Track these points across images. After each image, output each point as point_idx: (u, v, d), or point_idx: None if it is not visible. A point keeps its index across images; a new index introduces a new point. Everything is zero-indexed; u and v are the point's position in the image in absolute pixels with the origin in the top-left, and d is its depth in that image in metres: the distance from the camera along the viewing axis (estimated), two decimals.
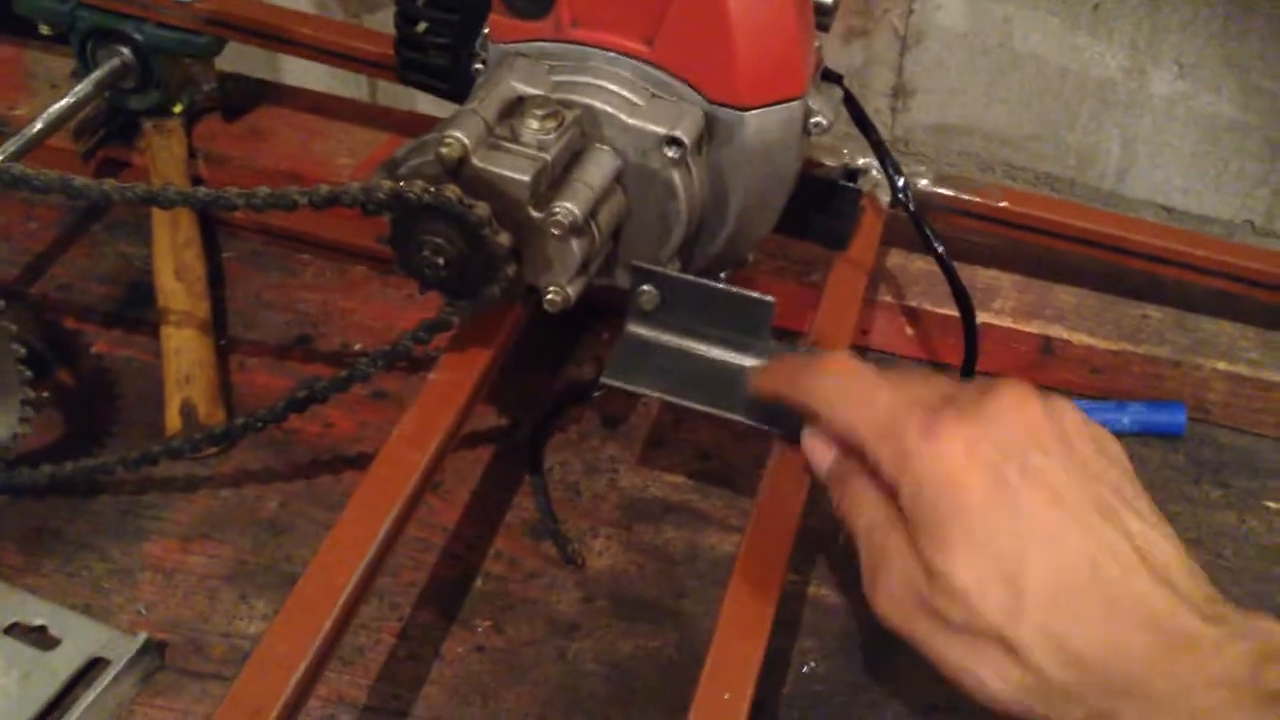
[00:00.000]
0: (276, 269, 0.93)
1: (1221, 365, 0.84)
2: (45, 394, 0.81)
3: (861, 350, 0.90)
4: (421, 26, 0.70)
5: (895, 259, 0.91)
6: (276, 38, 0.86)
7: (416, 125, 0.96)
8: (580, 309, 0.71)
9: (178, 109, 0.92)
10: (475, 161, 0.59)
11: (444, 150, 0.58)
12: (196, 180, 0.92)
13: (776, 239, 0.84)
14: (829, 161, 0.83)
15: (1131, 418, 0.85)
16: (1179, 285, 0.87)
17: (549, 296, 0.62)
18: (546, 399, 0.85)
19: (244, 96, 0.98)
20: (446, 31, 0.69)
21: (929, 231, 0.74)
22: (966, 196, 0.84)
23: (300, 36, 0.86)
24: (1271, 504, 0.82)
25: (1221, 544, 0.80)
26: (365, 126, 0.98)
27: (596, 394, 0.85)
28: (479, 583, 0.76)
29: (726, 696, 0.55)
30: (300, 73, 1.17)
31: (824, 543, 0.79)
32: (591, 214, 0.61)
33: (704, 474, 0.82)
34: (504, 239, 0.60)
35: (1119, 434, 0.86)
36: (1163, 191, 1.16)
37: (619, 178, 0.63)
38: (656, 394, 0.67)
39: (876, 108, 1.22)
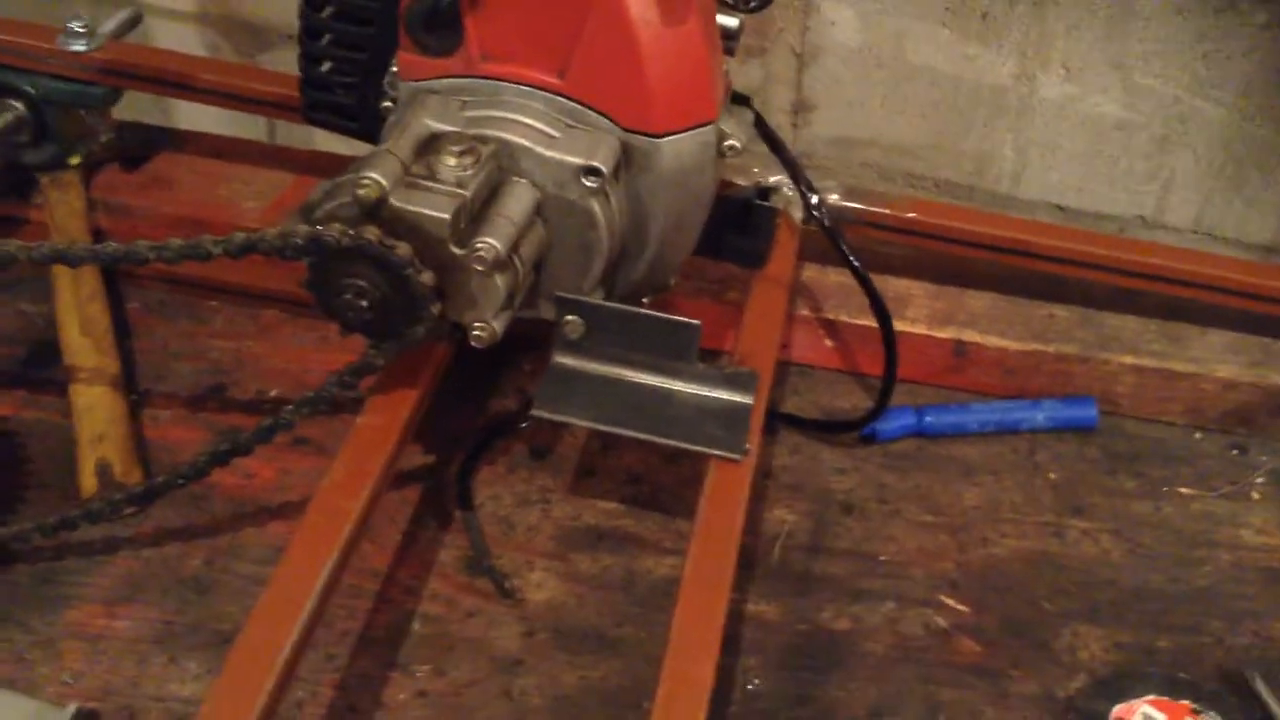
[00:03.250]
0: (185, 317, 0.91)
1: (1128, 359, 0.87)
2: None
3: (783, 364, 0.92)
4: (327, 66, 0.69)
5: (811, 273, 0.92)
6: (175, 85, 0.84)
7: (320, 164, 0.95)
8: (502, 342, 0.70)
9: (75, 161, 0.89)
10: (394, 201, 0.58)
11: (361, 192, 0.57)
12: (97, 233, 0.89)
13: (693, 260, 0.84)
14: (741, 181, 0.84)
15: (1045, 414, 0.87)
16: (1083, 284, 0.90)
17: (475, 333, 0.62)
18: (473, 434, 0.85)
19: (143, 145, 0.95)
20: (353, 70, 0.68)
21: (845, 246, 0.75)
22: (877, 209, 0.85)
23: (200, 82, 0.84)
24: (1185, 490, 0.85)
25: (1140, 533, 0.83)
26: (269, 168, 0.96)
27: (524, 425, 0.85)
28: (417, 626, 0.74)
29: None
30: (196, 117, 1.14)
31: (760, 559, 0.79)
32: (513, 248, 0.61)
33: (636, 499, 0.82)
34: (427, 278, 0.59)
35: (1034, 431, 0.89)
36: (1057, 191, 1.19)
37: (539, 210, 0.63)
38: (587, 423, 0.67)
39: (778, 124, 1.23)
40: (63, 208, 0.87)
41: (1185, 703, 0.72)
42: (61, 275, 0.84)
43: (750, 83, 1.20)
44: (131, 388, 0.84)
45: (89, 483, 0.75)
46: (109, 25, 0.85)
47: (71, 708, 0.66)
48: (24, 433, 0.82)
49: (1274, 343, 0.89)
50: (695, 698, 0.56)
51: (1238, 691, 0.73)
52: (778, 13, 1.16)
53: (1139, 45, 1.08)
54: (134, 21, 0.87)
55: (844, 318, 0.89)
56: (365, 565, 0.76)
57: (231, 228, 0.61)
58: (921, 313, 0.90)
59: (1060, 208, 1.20)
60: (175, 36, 1.21)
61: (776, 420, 0.88)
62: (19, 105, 0.86)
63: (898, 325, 0.87)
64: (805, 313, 0.90)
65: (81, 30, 0.84)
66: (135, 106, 1.01)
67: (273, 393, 0.86)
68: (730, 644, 0.75)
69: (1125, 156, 1.15)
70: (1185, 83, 1.09)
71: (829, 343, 0.90)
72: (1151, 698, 0.72)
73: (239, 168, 0.96)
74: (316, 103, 0.71)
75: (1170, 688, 0.73)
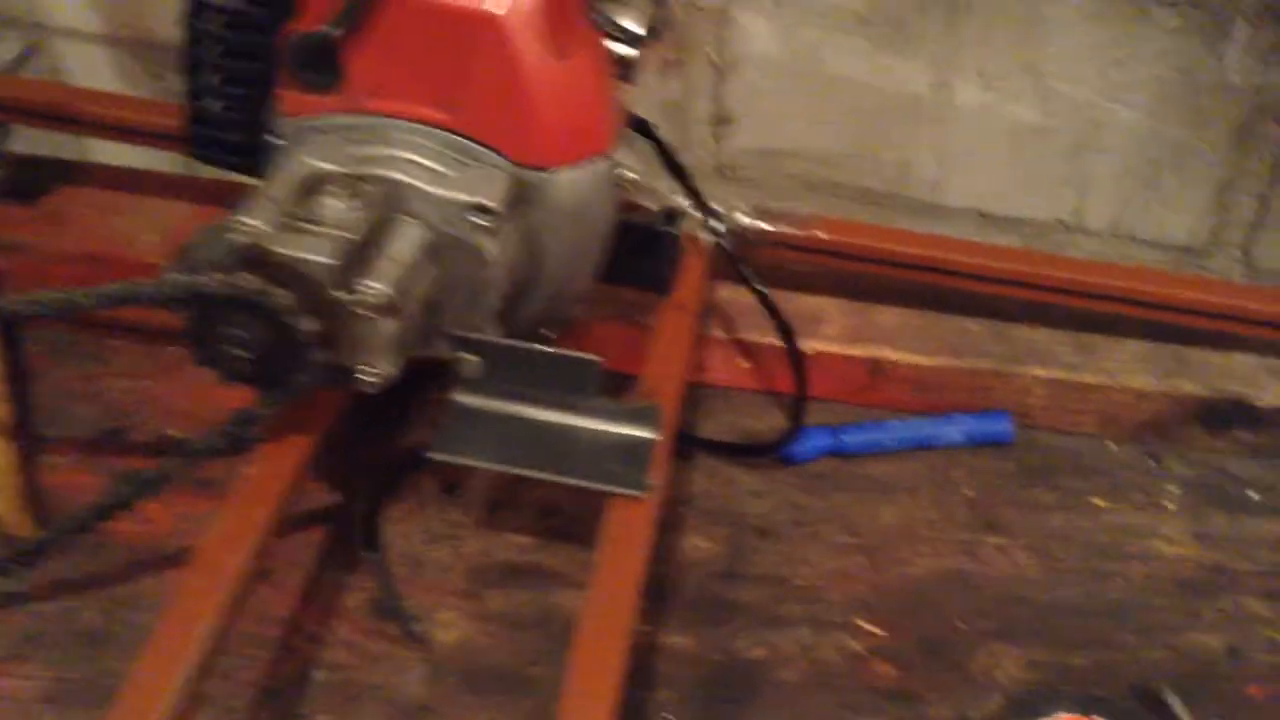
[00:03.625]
0: (84, 358, 0.88)
1: (1040, 372, 0.87)
2: None
3: (697, 387, 0.91)
4: (215, 103, 0.67)
5: (726, 292, 0.91)
6: (63, 118, 0.82)
7: (225, 194, 0.91)
8: (412, 374, 0.69)
9: None
10: (272, 246, 0.56)
11: (236, 238, 0.56)
12: None
13: (601, 287, 0.83)
14: (650, 205, 0.82)
15: (961, 430, 0.87)
16: (994, 299, 0.90)
17: (363, 378, 0.60)
18: (380, 470, 0.83)
19: (41, 179, 0.92)
20: (242, 107, 0.66)
21: (744, 267, 0.74)
22: (786, 229, 0.85)
23: (85, 115, 0.81)
24: (1098, 501, 0.86)
25: (1055, 547, 0.83)
26: (174, 199, 0.93)
27: (431, 460, 0.83)
28: (319, 674, 0.72)
29: None
30: (110, 149, 1.11)
31: (673, 588, 0.78)
32: (401, 290, 0.59)
33: (550, 532, 0.81)
34: (309, 325, 0.57)
35: (950, 447, 0.89)
36: (978, 198, 1.19)
37: (429, 249, 0.61)
38: (485, 464, 0.66)
39: (700, 137, 1.22)
40: None
41: (1098, 719, 0.72)
42: None
43: (670, 96, 1.19)
44: (25, 434, 0.81)
45: None
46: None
47: None
48: None
49: (1187, 352, 0.90)
50: None
51: (1151, 706, 0.73)
52: (695, 25, 1.15)
53: (1052, 51, 1.08)
54: (27, 55, 0.84)
55: (758, 338, 0.89)
56: (267, 612, 0.74)
57: (129, 263, 0.59)
58: (835, 330, 0.89)
59: (982, 214, 1.20)
60: (85, 58, 1.18)
61: (692, 445, 0.87)
62: None
63: (812, 344, 0.87)
64: (720, 334, 0.89)
65: None
66: (49, 140, 0.98)
67: (174, 433, 0.84)
68: (644, 678, 0.74)
69: (1043, 162, 1.16)
70: (1099, 87, 1.09)
71: (745, 364, 0.89)
72: (1065, 715, 0.72)
73: (140, 200, 0.93)
74: (206, 140, 0.68)
75: (1084, 705, 0.72)
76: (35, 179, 0.93)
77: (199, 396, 0.86)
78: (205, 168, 1.16)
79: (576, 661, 0.58)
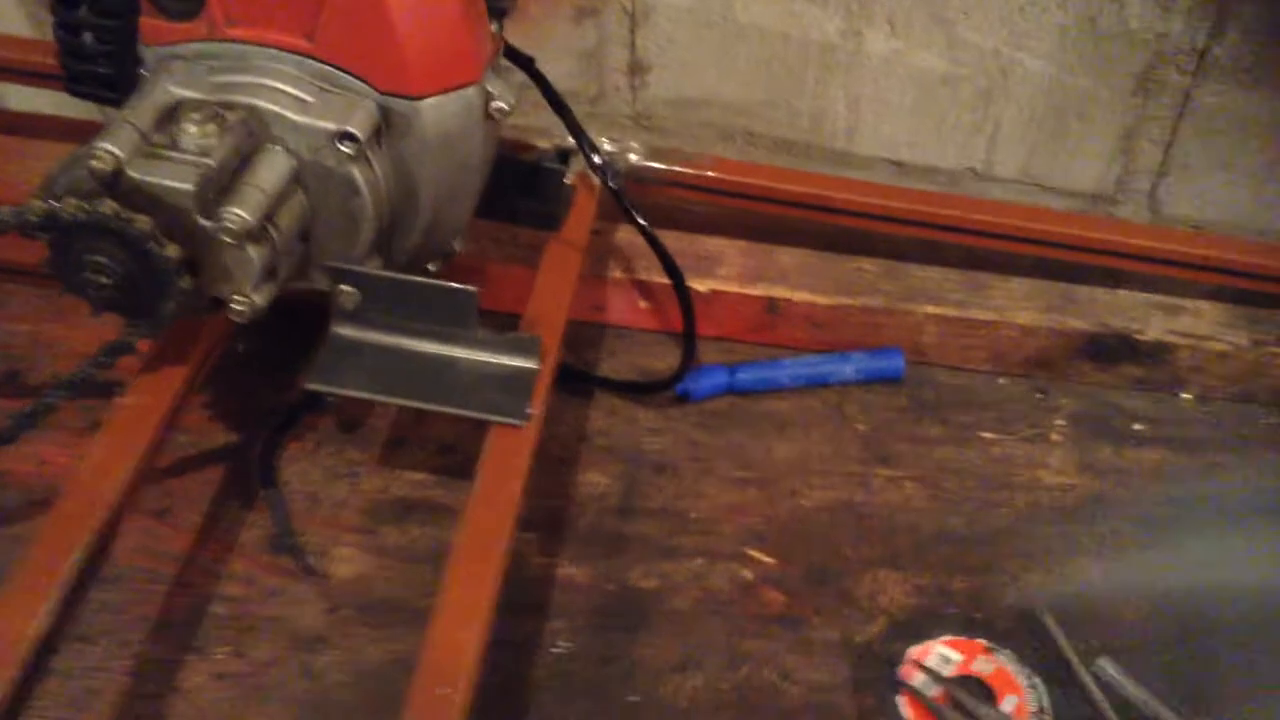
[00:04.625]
0: None
1: (931, 309, 0.89)
2: None
3: (599, 327, 0.91)
4: (85, 36, 0.67)
5: (625, 234, 0.92)
6: None
7: None
8: (311, 313, 0.69)
9: None
10: (132, 173, 0.57)
11: (95, 164, 0.56)
12: None
13: (503, 226, 0.84)
14: (541, 144, 0.83)
15: (855, 366, 0.88)
16: (888, 238, 0.91)
17: (234, 306, 0.61)
18: (279, 409, 0.83)
19: None
20: (111, 39, 0.66)
21: (626, 204, 0.75)
22: (677, 168, 0.85)
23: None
24: (986, 434, 0.87)
25: (943, 478, 0.84)
26: (69, 143, 0.92)
27: (331, 399, 0.83)
28: (215, 608, 0.73)
29: (443, 691, 0.55)
30: (26, 96, 1.10)
31: (570, 523, 0.79)
32: (267, 217, 0.60)
33: (446, 468, 0.82)
34: (172, 251, 0.57)
35: (844, 384, 0.90)
36: (890, 147, 1.20)
37: (297, 178, 0.62)
38: (362, 394, 0.66)
39: (616, 85, 1.23)
40: None
41: (980, 641, 0.74)
42: None
43: (585, 44, 1.19)
44: None
45: None
46: None
47: None
48: None
49: (1072, 288, 0.91)
50: (461, 664, 0.56)
51: (1030, 629, 0.75)
52: None
53: (959, 0, 1.09)
54: None
55: (657, 279, 0.89)
56: (163, 548, 0.75)
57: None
58: (733, 270, 0.90)
59: (895, 163, 1.21)
60: None
61: (590, 382, 0.88)
62: None
63: (709, 283, 0.88)
64: (619, 275, 0.90)
65: None
66: None
67: (48, 390, 0.83)
68: (538, 609, 0.75)
69: (952, 110, 1.17)
70: (1005, 36, 1.10)
71: (644, 304, 0.90)
72: (947, 638, 0.74)
73: (36, 144, 0.92)
74: (78, 74, 0.68)
75: (965, 627, 0.75)
76: None
77: (95, 338, 0.85)
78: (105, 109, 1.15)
79: (450, 583, 0.59)
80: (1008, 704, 0.71)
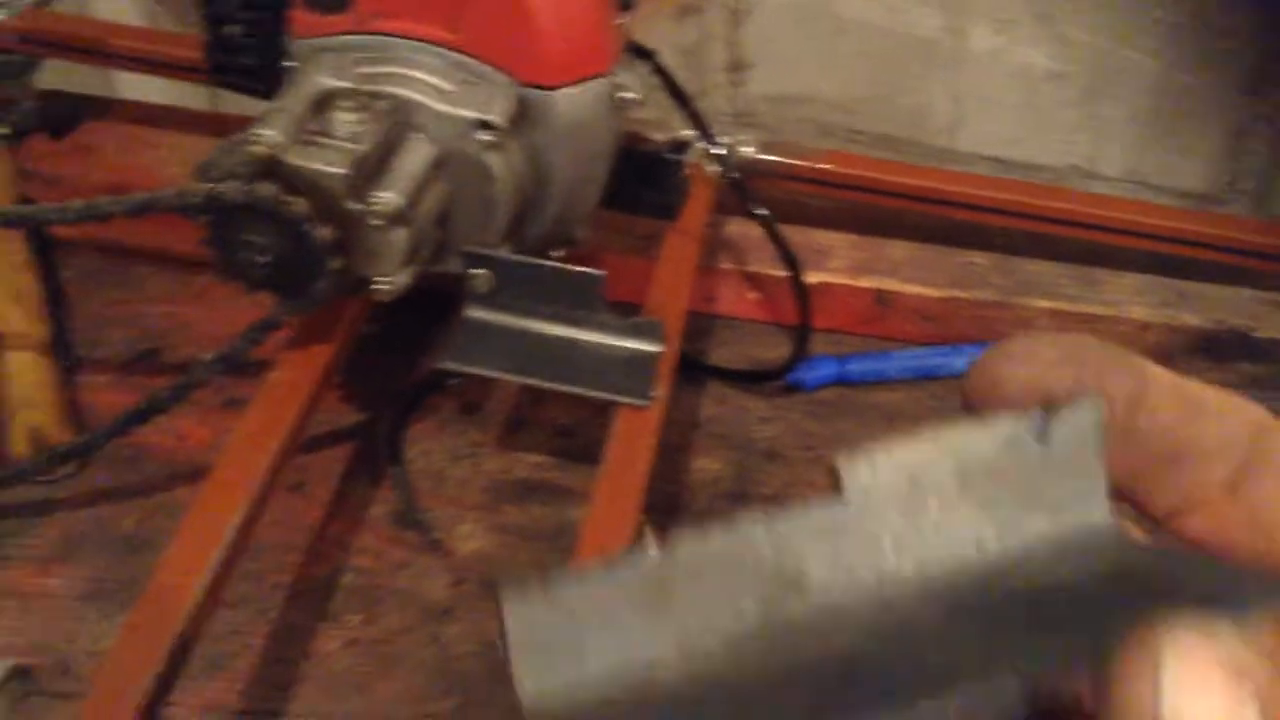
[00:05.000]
0: (118, 285, 0.92)
1: (1044, 303, 0.89)
2: None
3: (709, 318, 0.93)
4: (232, 28, 0.70)
5: (736, 226, 0.94)
6: (92, 51, 0.85)
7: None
8: (436, 299, 0.71)
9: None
10: (288, 158, 0.60)
11: (253, 149, 0.59)
12: (26, 202, 0.90)
13: (622, 218, 0.86)
14: (658, 136, 0.85)
15: (965, 360, 0.89)
16: (1001, 231, 0.92)
17: (378, 286, 0.63)
18: (405, 391, 0.86)
19: (70, 114, 0.96)
20: (257, 31, 0.70)
21: (747, 195, 0.76)
22: (791, 160, 0.87)
23: (114, 48, 0.85)
24: None
25: None
26: (198, 135, 0.97)
27: (454, 382, 0.86)
28: (347, 578, 0.76)
29: None
30: (137, 85, 1.15)
31: (684, 508, 0.81)
32: (412, 202, 0.62)
33: (565, 451, 0.84)
34: (325, 233, 0.60)
35: (955, 377, 0.91)
36: (993, 144, 1.21)
37: (438, 165, 0.64)
38: (492, 373, 0.69)
39: (715, 83, 1.25)
40: None
41: None
42: None
43: (686, 42, 1.21)
44: (65, 354, 0.85)
45: (20, 447, 0.77)
46: None
47: (5, 663, 0.68)
48: None
49: (1186, 284, 0.91)
50: None
51: None
52: None
53: None
54: None
55: (768, 270, 0.91)
56: (297, 520, 0.78)
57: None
58: (842, 263, 0.91)
59: (997, 160, 1.22)
60: (113, 7, 1.22)
61: (703, 372, 0.89)
62: None
63: (819, 276, 0.89)
64: (730, 266, 0.92)
65: None
66: (77, 77, 1.02)
67: (206, 356, 0.87)
68: None
69: (1057, 107, 1.17)
70: (1112, 33, 1.10)
71: (754, 295, 0.92)
72: None
73: (167, 134, 0.97)
74: (222, 65, 0.72)
75: None
76: (63, 114, 0.97)
77: (228, 321, 0.89)
78: (228, 103, 1.21)
79: (584, 547, 0.61)
80: None
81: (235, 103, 1.21)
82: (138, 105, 0.99)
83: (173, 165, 0.91)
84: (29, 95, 0.92)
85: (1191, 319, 0.89)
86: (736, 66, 1.23)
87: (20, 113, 0.91)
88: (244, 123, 0.99)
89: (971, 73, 1.17)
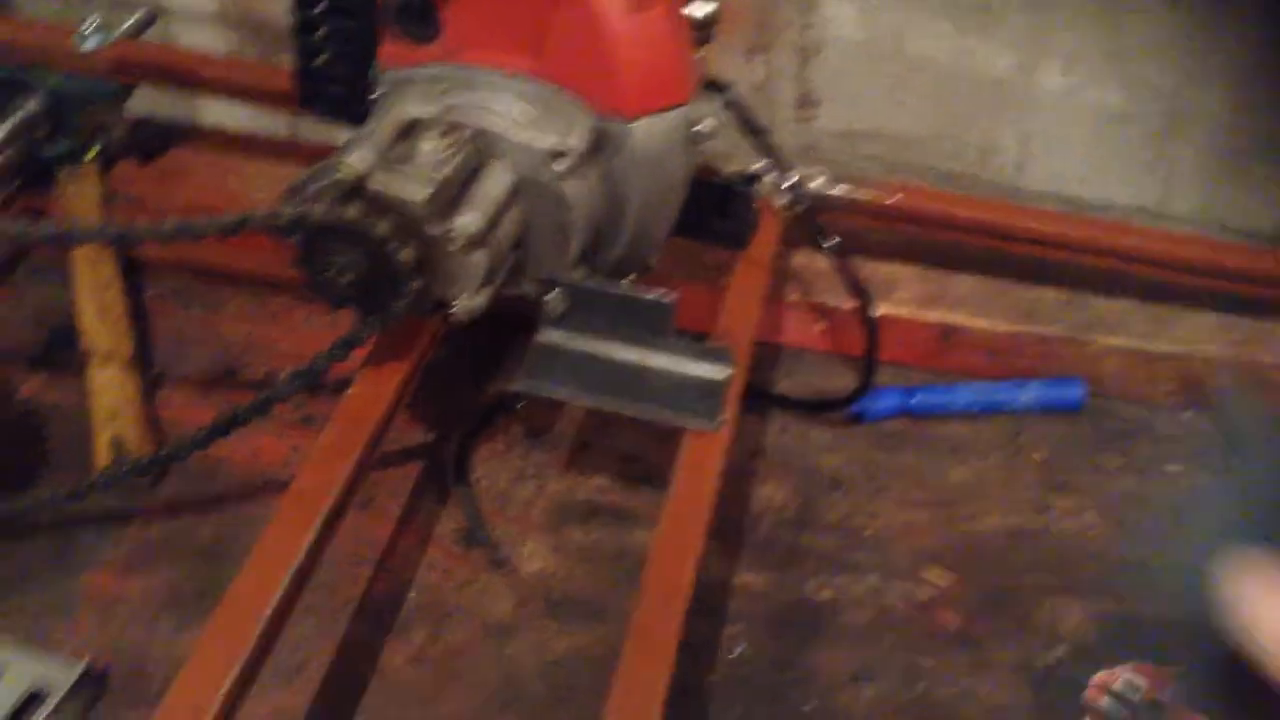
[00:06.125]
0: (200, 304, 0.95)
1: (1114, 340, 0.88)
2: None
3: (774, 347, 0.94)
4: (320, 59, 0.73)
5: (802, 258, 0.94)
6: (182, 80, 0.89)
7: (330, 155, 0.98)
8: (503, 323, 0.73)
9: (90, 155, 0.94)
10: (373, 183, 0.62)
11: (340, 174, 0.61)
12: None
13: (688, 246, 0.87)
14: (727, 168, 0.86)
15: (1032, 395, 0.89)
16: (1068, 267, 0.92)
17: (454, 308, 0.65)
18: (472, 412, 0.88)
19: (158, 140, 1.00)
20: (345, 62, 0.72)
21: (818, 228, 0.77)
22: (861, 194, 0.87)
23: (203, 77, 0.88)
24: (1172, 467, 0.86)
25: (1125, 508, 0.84)
26: (281, 162, 1.00)
27: (521, 405, 0.88)
28: (413, 594, 0.78)
29: (646, 679, 0.58)
30: (219, 113, 1.19)
31: (747, 533, 0.82)
32: (490, 226, 0.64)
33: (629, 475, 0.85)
34: (406, 254, 0.62)
35: (1020, 412, 0.91)
36: (1060, 182, 1.20)
37: (515, 191, 0.66)
38: (566, 397, 0.70)
39: (783, 119, 1.25)
40: (79, 200, 0.92)
41: (1170, 668, 0.72)
42: (79, 262, 0.88)
43: (755, 79, 1.23)
44: (146, 370, 0.88)
45: (102, 457, 0.79)
46: (124, 26, 0.89)
47: (81, 666, 0.70)
48: (44, 413, 0.86)
49: (1259, 323, 0.90)
50: (660, 656, 0.59)
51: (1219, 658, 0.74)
52: (780, 9, 1.19)
53: (1135, 38, 1.09)
54: (148, 22, 0.91)
55: (833, 302, 0.91)
56: (366, 535, 0.80)
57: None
58: (908, 295, 0.91)
59: (1064, 199, 1.21)
60: (198, 39, 1.26)
61: (767, 401, 0.90)
62: (36, 101, 0.90)
63: (885, 309, 0.89)
64: (796, 297, 0.93)
65: (94, 30, 0.89)
66: (163, 103, 1.05)
67: (282, 375, 0.89)
68: (715, 613, 0.77)
69: (1127, 147, 1.16)
70: (1183, 74, 1.10)
71: (819, 326, 0.92)
72: (1134, 664, 0.73)
73: (252, 162, 1.00)
74: (311, 94, 0.74)
75: (1153, 656, 0.73)
76: (152, 139, 1.00)
77: (305, 340, 0.92)
78: (307, 131, 1.24)
79: (650, 580, 0.62)
80: None
81: (314, 131, 1.25)
82: (222, 133, 1.02)
83: (256, 191, 0.94)
84: (120, 121, 0.95)
85: (1267, 357, 0.88)
86: (804, 103, 1.23)
87: (112, 138, 0.94)
88: (324, 150, 1.03)
89: (1041, 111, 1.16)
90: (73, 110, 0.92)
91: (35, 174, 0.94)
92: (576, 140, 0.65)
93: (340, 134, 0.90)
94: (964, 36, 1.15)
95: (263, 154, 1.02)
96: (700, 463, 0.68)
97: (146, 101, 0.99)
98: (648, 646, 0.59)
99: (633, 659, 0.58)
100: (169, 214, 0.92)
